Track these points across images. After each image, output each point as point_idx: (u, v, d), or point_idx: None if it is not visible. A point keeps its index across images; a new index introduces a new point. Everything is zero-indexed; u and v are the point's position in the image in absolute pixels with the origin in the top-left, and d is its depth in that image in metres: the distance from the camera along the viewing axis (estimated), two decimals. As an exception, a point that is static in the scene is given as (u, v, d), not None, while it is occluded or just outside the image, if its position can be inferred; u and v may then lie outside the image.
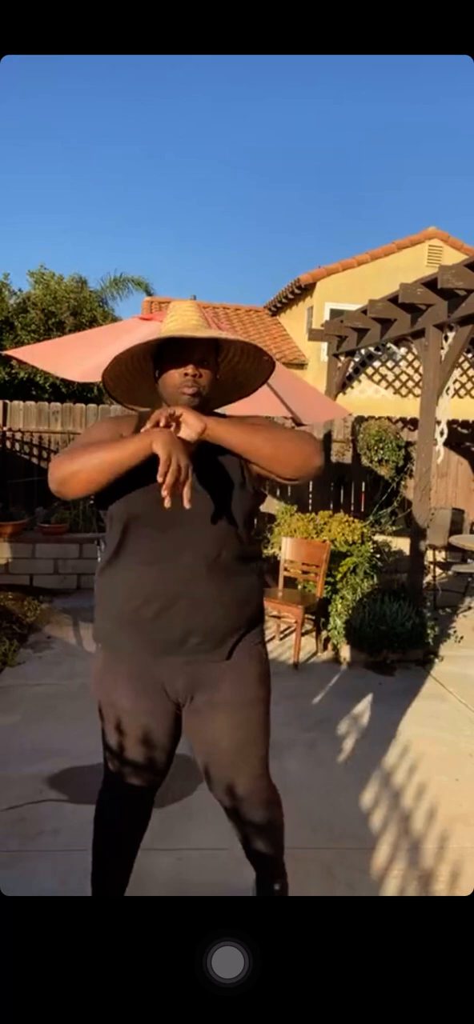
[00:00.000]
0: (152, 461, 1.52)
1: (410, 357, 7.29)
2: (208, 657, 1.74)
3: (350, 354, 6.94)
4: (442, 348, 4.96)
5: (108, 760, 1.86)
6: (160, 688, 1.76)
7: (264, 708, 1.85)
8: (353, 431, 8.45)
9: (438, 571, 6.38)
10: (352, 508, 8.46)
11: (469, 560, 6.56)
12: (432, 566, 6.22)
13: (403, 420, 8.52)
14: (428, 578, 5.58)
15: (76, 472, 1.58)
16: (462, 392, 7.91)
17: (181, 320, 1.72)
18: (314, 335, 7.58)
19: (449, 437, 5.27)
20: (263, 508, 6.86)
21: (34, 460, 7.82)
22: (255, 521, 1.88)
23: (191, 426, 1.59)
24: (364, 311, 5.77)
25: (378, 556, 5.42)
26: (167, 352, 1.69)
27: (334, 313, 10.83)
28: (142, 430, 1.62)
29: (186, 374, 1.67)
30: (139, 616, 1.71)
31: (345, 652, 4.72)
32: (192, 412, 1.61)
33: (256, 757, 1.85)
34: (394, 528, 7.28)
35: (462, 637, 5.34)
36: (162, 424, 1.58)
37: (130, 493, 1.66)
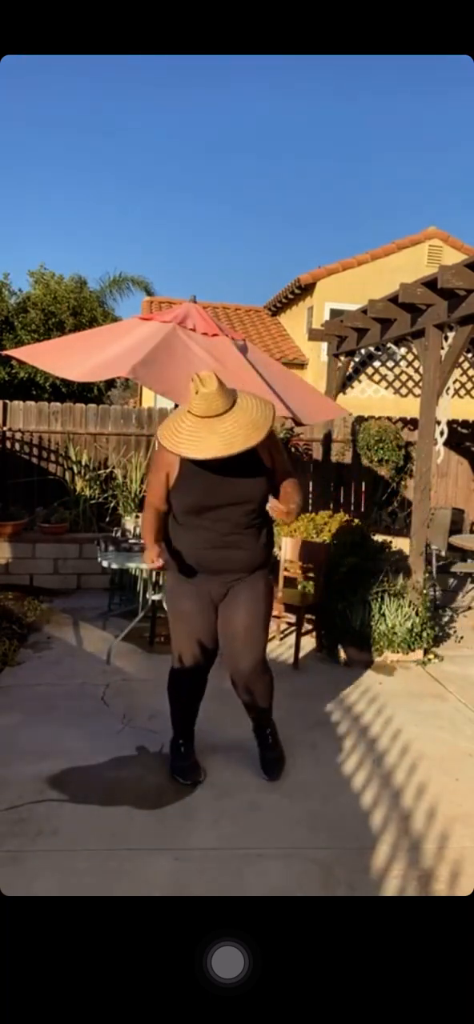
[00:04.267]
0: (202, 477, 2.67)
1: (410, 357, 7.28)
2: (236, 578, 2.86)
3: (350, 354, 6.94)
4: (442, 348, 4.96)
5: (175, 646, 2.96)
6: (207, 595, 2.88)
7: (265, 608, 2.94)
8: (353, 431, 8.45)
9: (438, 571, 6.37)
10: (352, 508, 8.45)
11: (469, 560, 6.55)
12: (432, 566, 6.21)
13: (403, 420, 8.51)
14: (428, 578, 5.56)
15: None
16: (462, 392, 7.91)
17: (202, 408, 2.55)
18: (314, 335, 7.58)
19: (449, 437, 5.27)
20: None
21: (34, 460, 7.81)
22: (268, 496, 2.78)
23: (283, 518, 2.72)
24: (364, 311, 5.76)
25: (378, 556, 5.41)
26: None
27: (334, 313, 10.82)
28: (146, 555, 2.86)
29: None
30: (200, 556, 2.82)
31: (345, 652, 4.72)
32: (281, 511, 2.68)
33: (259, 639, 2.92)
34: (394, 528, 7.29)
35: (462, 637, 5.34)
36: (155, 565, 2.81)
37: (193, 496, 2.73)
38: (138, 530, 5.36)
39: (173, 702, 3.08)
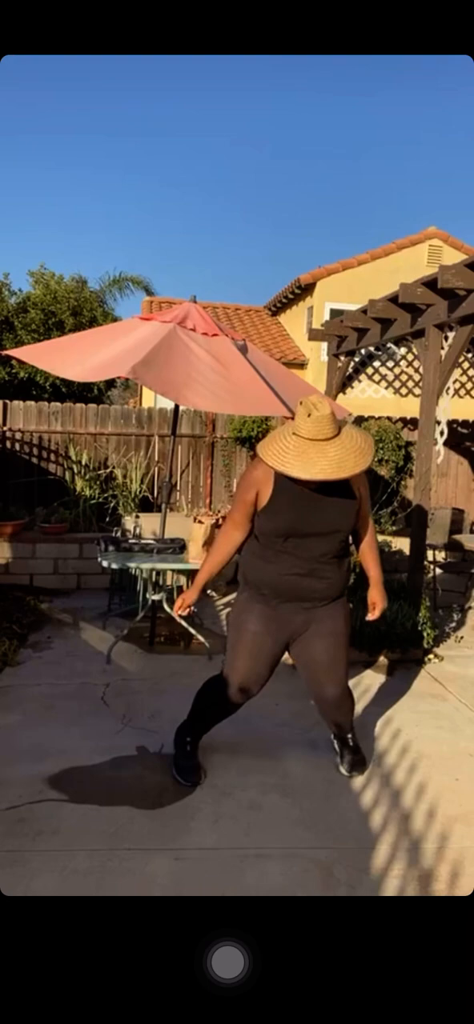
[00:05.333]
0: (295, 501, 2.68)
1: (410, 357, 7.28)
2: (318, 606, 2.86)
3: (350, 354, 6.94)
4: (442, 348, 4.96)
5: (231, 660, 2.90)
6: (281, 622, 2.86)
7: (346, 637, 2.97)
8: (353, 431, 8.44)
9: (438, 571, 6.37)
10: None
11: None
12: (432, 566, 6.22)
13: (403, 420, 8.51)
14: (428, 578, 5.57)
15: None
16: (462, 392, 7.91)
17: (313, 431, 2.54)
18: (314, 335, 7.58)
19: (449, 437, 5.26)
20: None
21: (34, 460, 7.82)
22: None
23: (381, 608, 3.10)
24: (364, 311, 5.76)
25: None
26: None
27: (334, 313, 10.83)
28: (186, 597, 3.02)
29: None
30: (282, 583, 2.79)
31: (349, 660, 4.71)
32: (382, 600, 3.09)
33: (343, 667, 2.97)
34: (394, 528, 7.29)
35: (462, 637, 5.34)
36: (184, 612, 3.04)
37: (284, 520, 2.71)
38: (138, 530, 5.36)
39: (205, 707, 3.05)
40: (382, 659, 4.69)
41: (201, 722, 3.08)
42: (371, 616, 3.08)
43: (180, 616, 3.21)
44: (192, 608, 3.04)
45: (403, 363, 7.40)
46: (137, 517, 5.78)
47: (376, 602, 3.07)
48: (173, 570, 5.02)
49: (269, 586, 2.81)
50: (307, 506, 2.69)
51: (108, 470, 7.82)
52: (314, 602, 2.84)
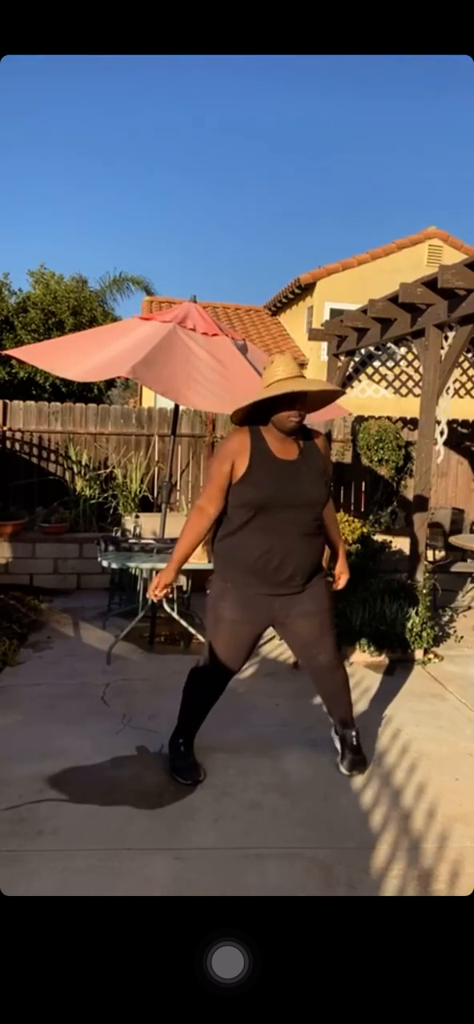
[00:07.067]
0: (272, 472, 2.69)
1: (410, 357, 7.28)
2: (300, 587, 2.85)
3: (350, 354, 6.94)
4: (442, 348, 4.96)
5: (210, 649, 2.90)
6: (263, 611, 2.85)
7: (330, 613, 3.00)
8: (353, 431, 8.44)
9: (438, 571, 6.37)
10: (352, 508, 8.45)
11: (469, 559, 6.55)
12: (432, 566, 6.22)
13: (403, 420, 8.51)
14: (427, 578, 5.56)
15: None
16: (462, 392, 7.91)
17: (289, 371, 2.70)
18: (314, 335, 7.57)
19: (449, 437, 5.26)
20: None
21: (34, 460, 7.81)
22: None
23: (345, 578, 3.18)
24: (364, 311, 5.76)
25: (378, 556, 5.41)
26: (281, 399, 2.66)
27: (334, 313, 10.82)
28: (160, 579, 2.86)
29: (297, 415, 2.70)
30: (263, 566, 2.75)
31: (344, 652, 4.72)
32: (347, 570, 3.17)
33: (329, 642, 2.98)
34: (394, 528, 7.29)
35: (462, 637, 5.34)
36: (160, 594, 2.89)
37: (262, 490, 2.68)
38: (138, 530, 5.35)
39: (189, 701, 3.06)
40: (382, 659, 4.69)
41: (190, 720, 3.08)
42: (338, 586, 3.17)
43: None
44: (168, 592, 2.99)
45: (403, 363, 7.40)
46: (137, 517, 5.78)
47: (341, 572, 3.16)
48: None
49: (244, 568, 2.78)
50: (284, 476, 2.71)
51: (108, 470, 7.81)
52: (293, 584, 2.81)
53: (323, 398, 3.02)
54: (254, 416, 2.77)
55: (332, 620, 3.03)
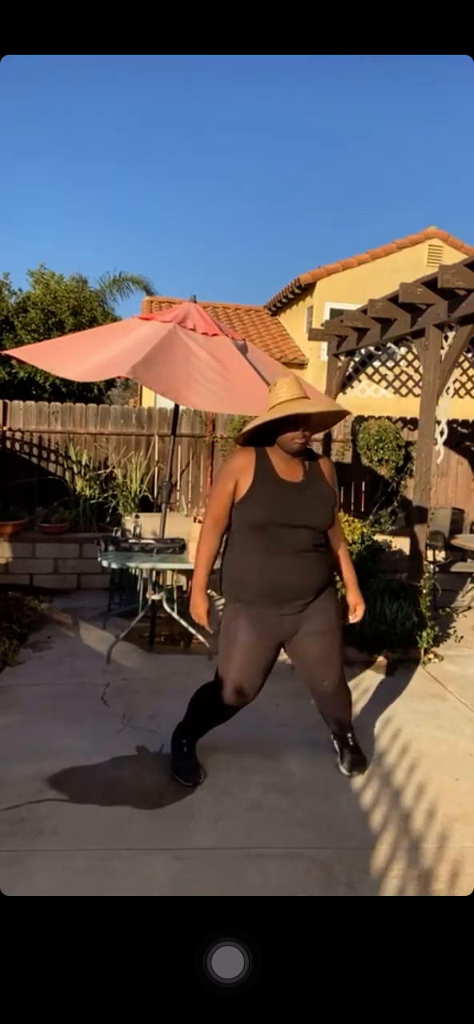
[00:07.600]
0: (274, 492, 2.70)
1: (410, 357, 7.28)
2: (305, 604, 2.83)
3: (350, 354, 6.94)
4: (442, 348, 4.96)
5: (224, 669, 2.86)
6: (274, 629, 2.83)
7: (339, 633, 2.98)
8: (353, 431, 8.45)
9: (438, 571, 6.37)
10: (352, 508, 8.45)
11: (469, 559, 6.55)
12: (432, 566, 6.22)
13: (403, 420, 8.51)
14: (427, 578, 5.56)
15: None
16: (462, 392, 7.90)
17: (292, 393, 2.73)
18: (314, 335, 7.58)
19: (449, 437, 5.26)
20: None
21: (34, 460, 7.82)
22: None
23: (362, 609, 3.09)
24: (364, 311, 5.76)
25: (378, 556, 5.41)
26: (286, 420, 2.67)
27: (334, 313, 10.82)
28: (197, 605, 2.92)
29: (301, 436, 2.69)
30: (267, 586, 2.75)
31: (344, 652, 4.71)
32: (361, 600, 3.09)
33: (338, 659, 2.99)
34: (394, 528, 7.28)
35: (462, 637, 5.34)
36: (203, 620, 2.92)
37: (265, 510, 2.70)
38: (138, 530, 5.35)
39: (200, 714, 3.05)
40: (382, 659, 4.69)
41: (197, 727, 3.08)
42: (354, 618, 3.07)
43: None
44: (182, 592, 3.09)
45: (403, 363, 7.40)
46: (137, 517, 5.78)
47: (357, 603, 3.06)
48: (173, 570, 5.02)
49: (252, 588, 2.77)
50: (287, 495, 2.72)
51: (108, 470, 7.82)
52: (298, 603, 2.80)
53: (327, 419, 3.07)
54: (260, 438, 2.78)
55: (341, 642, 2.99)
